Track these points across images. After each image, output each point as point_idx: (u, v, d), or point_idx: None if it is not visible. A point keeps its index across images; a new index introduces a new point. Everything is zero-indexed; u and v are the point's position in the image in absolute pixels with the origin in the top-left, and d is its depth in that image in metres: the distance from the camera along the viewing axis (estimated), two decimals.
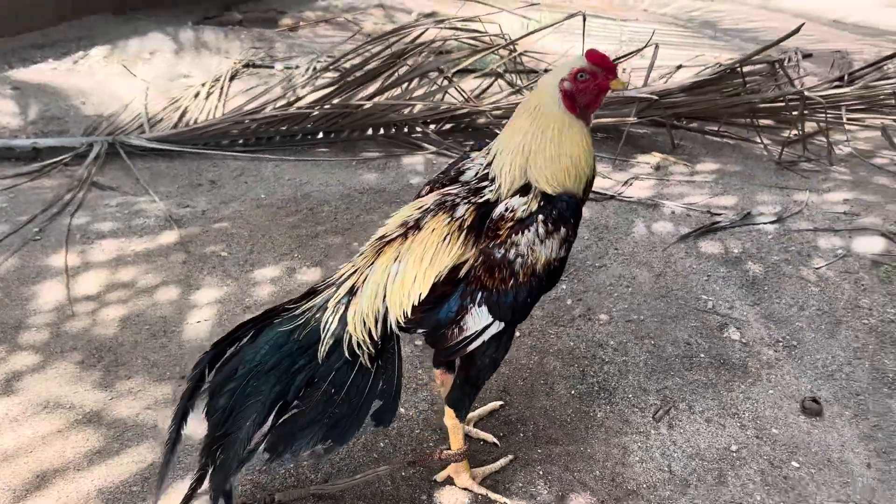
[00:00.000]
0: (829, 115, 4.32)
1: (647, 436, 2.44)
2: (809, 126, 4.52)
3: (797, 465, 2.34)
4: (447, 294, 1.86)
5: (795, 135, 4.37)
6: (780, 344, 2.89)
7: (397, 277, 1.87)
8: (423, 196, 2.03)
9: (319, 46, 6.74)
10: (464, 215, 1.89)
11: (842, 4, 8.88)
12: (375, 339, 1.86)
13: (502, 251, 1.82)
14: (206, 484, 1.80)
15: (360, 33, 7.07)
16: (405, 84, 4.51)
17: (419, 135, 4.57)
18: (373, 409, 1.84)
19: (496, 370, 2.05)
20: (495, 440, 2.38)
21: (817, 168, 4.30)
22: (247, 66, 5.95)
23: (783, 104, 4.25)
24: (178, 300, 3.07)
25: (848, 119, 4.47)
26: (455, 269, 1.85)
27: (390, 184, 4.13)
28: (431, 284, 1.84)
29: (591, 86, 1.87)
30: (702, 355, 2.81)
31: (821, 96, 4.15)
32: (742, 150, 4.58)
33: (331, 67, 5.02)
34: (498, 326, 1.89)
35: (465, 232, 1.86)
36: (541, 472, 2.27)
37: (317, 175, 4.22)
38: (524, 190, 1.89)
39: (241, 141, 4.48)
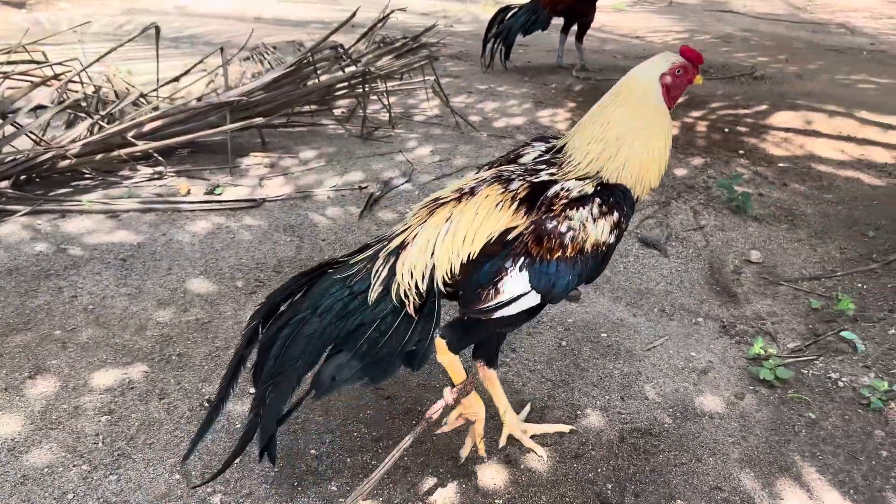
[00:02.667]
0: (387, 87, 4.98)
1: None
2: (372, 99, 5.13)
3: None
4: (493, 255, 1.89)
5: (359, 108, 4.93)
6: None
7: (447, 236, 1.92)
8: (482, 174, 2.09)
9: None
10: (517, 189, 1.95)
11: (251, 5, 9.70)
12: (421, 290, 1.92)
13: (555, 222, 1.88)
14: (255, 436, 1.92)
15: None
16: None
17: None
18: (408, 353, 1.95)
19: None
20: (544, 454, 2.31)
21: (389, 132, 4.95)
22: None
23: (348, 84, 4.73)
24: None
25: (395, 87, 5.22)
26: (505, 233, 1.89)
27: None
28: (483, 244, 1.89)
29: (684, 80, 1.99)
30: None
31: (375, 68, 4.75)
32: (326, 134, 4.94)
33: None
34: (534, 298, 1.92)
35: (517, 202, 1.92)
36: None
37: None
38: (584, 177, 1.96)
39: None
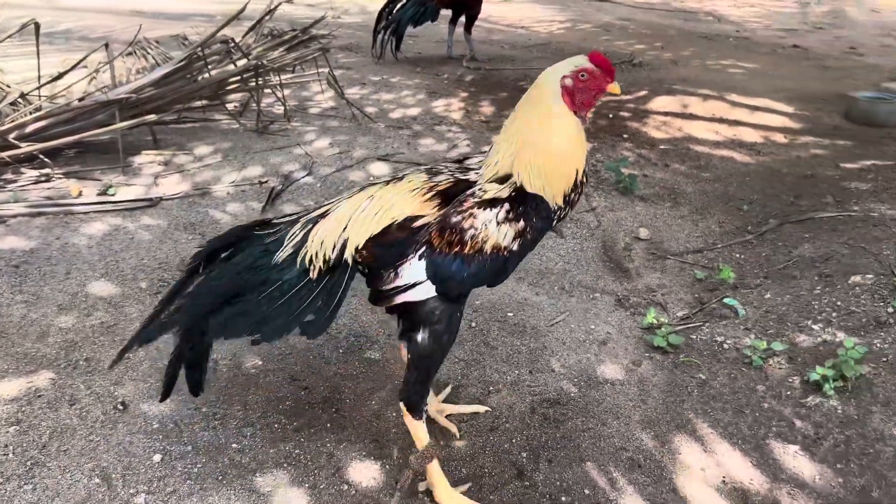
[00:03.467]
0: (281, 80, 4.94)
1: None
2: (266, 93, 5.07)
3: None
4: (399, 239, 1.93)
5: (252, 102, 4.87)
6: None
7: (363, 212, 1.98)
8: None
9: None
10: (440, 181, 2.00)
11: None
12: (328, 259, 1.97)
13: (459, 218, 1.90)
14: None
15: None
16: None
17: None
18: (305, 321, 1.97)
19: (444, 356, 2.06)
20: (456, 431, 2.40)
21: (286, 125, 4.92)
22: None
23: (240, 78, 4.66)
24: None
25: (289, 80, 5.17)
26: (413, 219, 1.93)
27: None
28: (385, 226, 1.94)
29: (590, 86, 1.92)
30: None
31: (267, 62, 4.71)
32: (221, 129, 4.85)
33: None
34: (429, 290, 1.94)
35: (433, 193, 1.96)
36: None
37: None
38: (504, 179, 1.95)
39: None
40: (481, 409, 2.51)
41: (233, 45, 4.55)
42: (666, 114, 5.80)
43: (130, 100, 4.19)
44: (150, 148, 4.46)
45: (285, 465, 2.23)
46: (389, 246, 1.94)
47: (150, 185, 4.00)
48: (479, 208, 1.90)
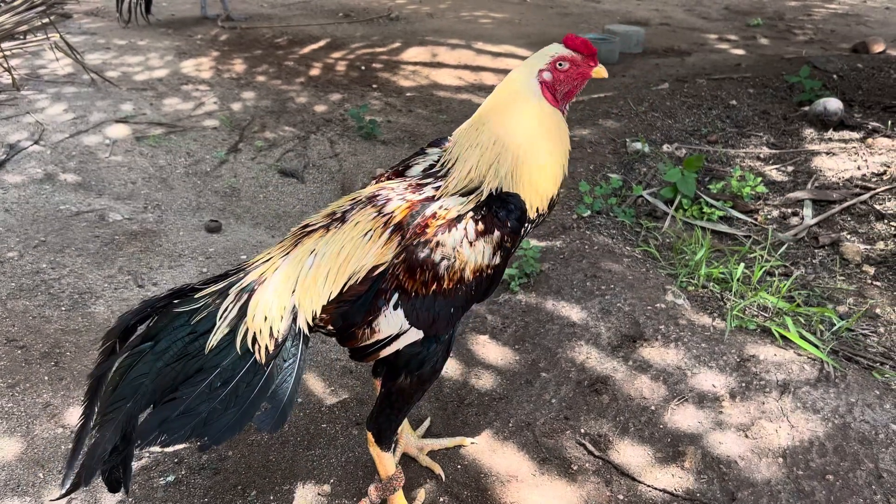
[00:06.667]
0: (2, 48, 4.65)
1: None
2: None
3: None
4: (362, 292, 1.66)
5: None
6: (152, 207, 3.57)
7: (310, 272, 1.66)
8: (360, 191, 1.80)
9: None
10: (393, 211, 1.67)
11: None
12: (276, 335, 1.64)
13: (426, 251, 1.60)
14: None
15: None
16: None
17: None
18: (260, 412, 1.63)
19: (423, 393, 1.84)
20: (441, 472, 2.14)
21: (14, 94, 4.66)
22: None
23: None
24: None
25: (14, 47, 4.88)
26: (375, 268, 1.65)
27: None
28: (344, 284, 1.65)
29: (572, 74, 1.68)
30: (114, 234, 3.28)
31: None
32: None
33: None
34: (416, 334, 1.69)
35: (390, 230, 1.65)
36: None
37: None
38: (471, 191, 1.67)
39: None
40: (466, 441, 2.25)
41: None
42: (416, 63, 6.11)
43: None
44: None
45: None
46: (352, 302, 1.66)
47: None
48: (443, 232, 1.61)
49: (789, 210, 3.45)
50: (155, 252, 3.20)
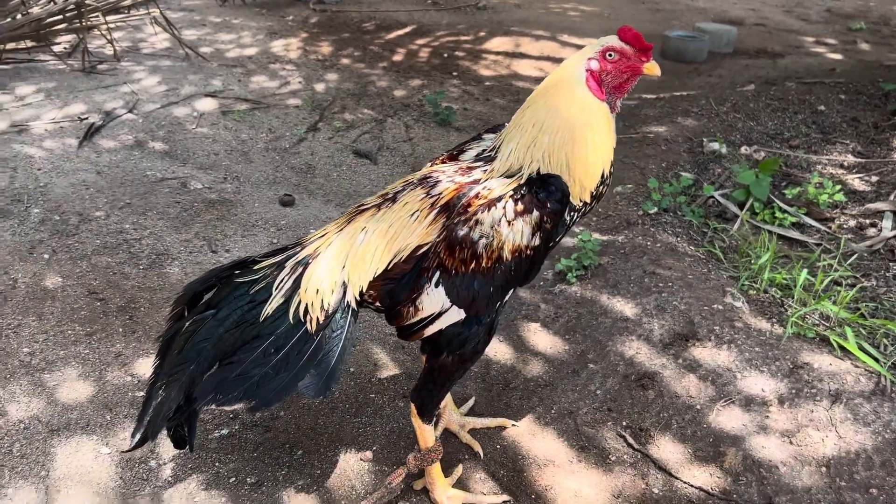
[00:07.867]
0: (108, 21, 4.93)
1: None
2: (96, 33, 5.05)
3: None
4: (407, 270, 1.72)
5: (82, 42, 4.86)
6: (231, 178, 3.74)
7: (360, 248, 1.73)
8: (414, 174, 1.87)
9: None
10: (440, 193, 1.72)
11: None
12: (326, 307, 1.71)
13: (465, 229, 1.64)
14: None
15: None
16: None
17: None
18: (307, 379, 1.72)
19: (465, 371, 1.89)
20: (480, 449, 2.19)
21: (115, 66, 4.94)
22: None
23: (62, 17, 4.65)
24: None
25: (119, 20, 5.16)
26: (419, 247, 1.71)
27: None
28: (389, 261, 1.72)
29: (621, 67, 1.67)
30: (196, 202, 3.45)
31: (93, 1, 4.70)
32: (47, 70, 4.81)
33: None
34: (458, 313, 1.72)
35: (436, 211, 1.70)
36: None
37: None
38: (514, 173, 1.70)
39: None
40: (508, 423, 2.28)
41: None
42: (498, 53, 6.13)
43: None
44: None
45: (74, 363, 2.43)
46: (398, 280, 1.72)
47: None
48: (483, 211, 1.64)
49: (867, 221, 3.33)
50: (230, 220, 3.35)
